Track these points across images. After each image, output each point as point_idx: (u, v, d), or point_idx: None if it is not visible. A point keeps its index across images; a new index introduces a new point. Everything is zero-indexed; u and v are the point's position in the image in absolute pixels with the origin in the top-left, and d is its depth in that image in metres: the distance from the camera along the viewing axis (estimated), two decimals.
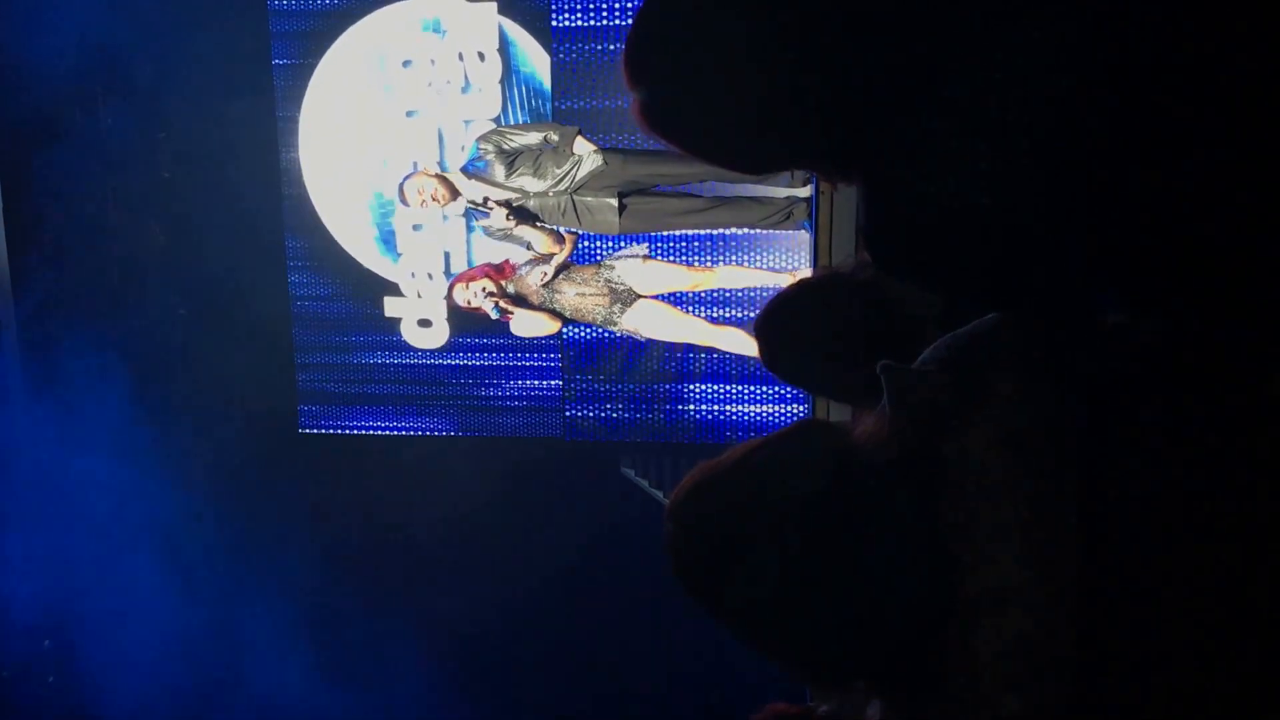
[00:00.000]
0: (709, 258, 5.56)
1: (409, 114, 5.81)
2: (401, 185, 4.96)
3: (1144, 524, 1.01)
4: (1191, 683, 1.01)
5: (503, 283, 4.93)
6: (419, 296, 5.99)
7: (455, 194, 4.88)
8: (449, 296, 5.02)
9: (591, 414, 5.89)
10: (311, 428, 6.24)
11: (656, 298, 5.06)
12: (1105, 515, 1.02)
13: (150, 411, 5.99)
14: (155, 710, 6.08)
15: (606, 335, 5.79)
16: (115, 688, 6.04)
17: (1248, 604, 0.98)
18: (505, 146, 4.82)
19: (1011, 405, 1.07)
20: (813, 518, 1.08)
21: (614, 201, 4.75)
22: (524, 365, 5.78)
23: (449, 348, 5.99)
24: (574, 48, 5.59)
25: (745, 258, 5.52)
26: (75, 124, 5.94)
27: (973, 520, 1.05)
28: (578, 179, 4.74)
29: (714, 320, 5.31)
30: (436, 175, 4.87)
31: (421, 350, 6.03)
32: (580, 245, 5.14)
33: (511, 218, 4.73)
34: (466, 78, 5.71)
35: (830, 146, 1.15)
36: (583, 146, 4.78)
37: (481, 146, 4.85)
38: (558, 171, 4.74)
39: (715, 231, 5.25)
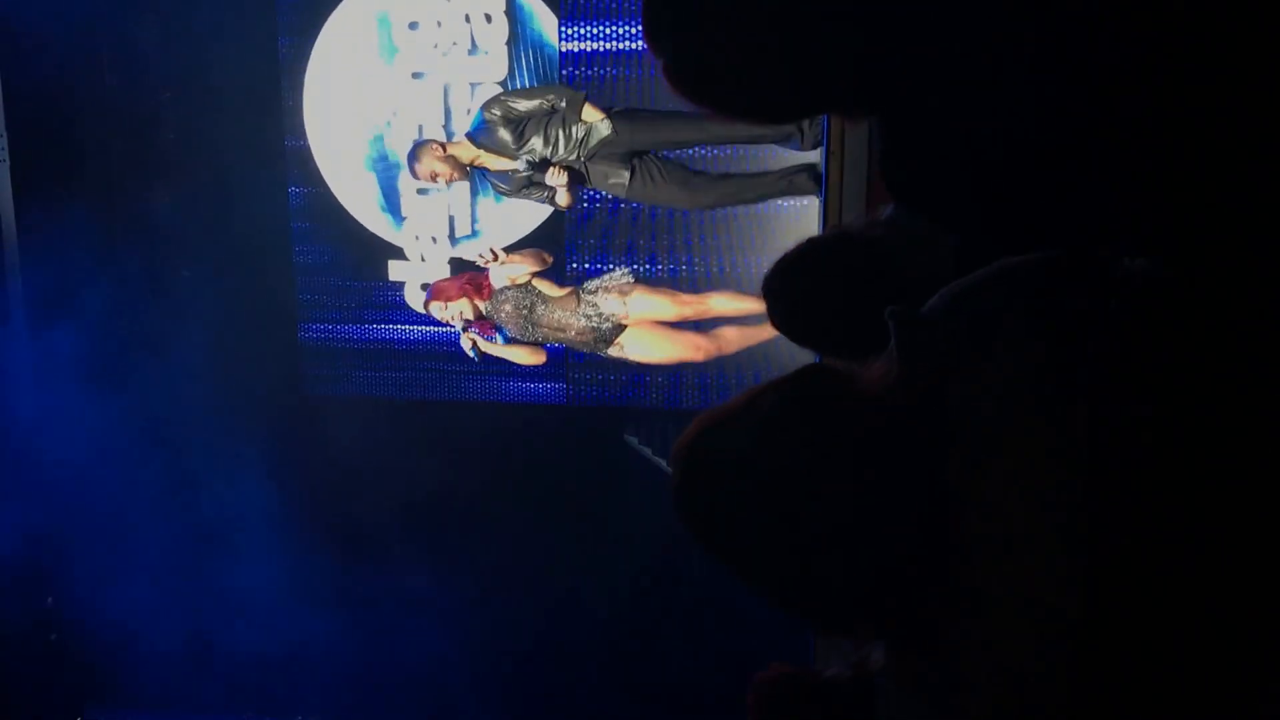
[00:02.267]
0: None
1: (415, 76, 5.77)
2: (411, 159, 4.88)
3: (1152, 470, 1.01)
4: (1200, 630, 1.01)
5: (480, 304, 4.82)
6: (423, 260, 5.98)
7: (466, 169, 4.83)
8: (425, 307, 4.92)
9: (595, 378, 5.88)
10: (315, 390, 6.24)
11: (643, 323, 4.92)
12: (1113, 461, 1.01)
13: (153, 374, 6.00)
14: (154, 667, 6.13)
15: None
16: (112, 641, 6.10)
17: (1259, 550, 0.98)
18: (512, 115, 4.74)
19: (1019, 351, 1.07)
20: (818, 462, 1.08)
21: (625, 173, 4.73)
22: None
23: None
24: (581, 6, 5.55)
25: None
26: (80, 85, 5.91)
27: (980, 466, 1.05)
28: (589, 148, 4.70)
29: (705, 330, 5.12)
30: (446, 155, 4.79)
31: (425, 314, 6.01)
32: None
33: (564, 172, 4.68)
34: (473, 40, 5.67)
35: (852, 83, 1.14)
36: (591, 114, 4.72)
37: (487, 115, 4.76)
38: (567, 139, 4.69)
39: (723, 205, 5.15)
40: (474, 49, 5.68)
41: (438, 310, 4.86)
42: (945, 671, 1.11)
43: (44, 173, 5.92)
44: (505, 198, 4.95)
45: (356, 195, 5.99)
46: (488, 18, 5.62)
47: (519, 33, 5.62)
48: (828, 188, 3.51)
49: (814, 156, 4.60)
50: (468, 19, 5.64)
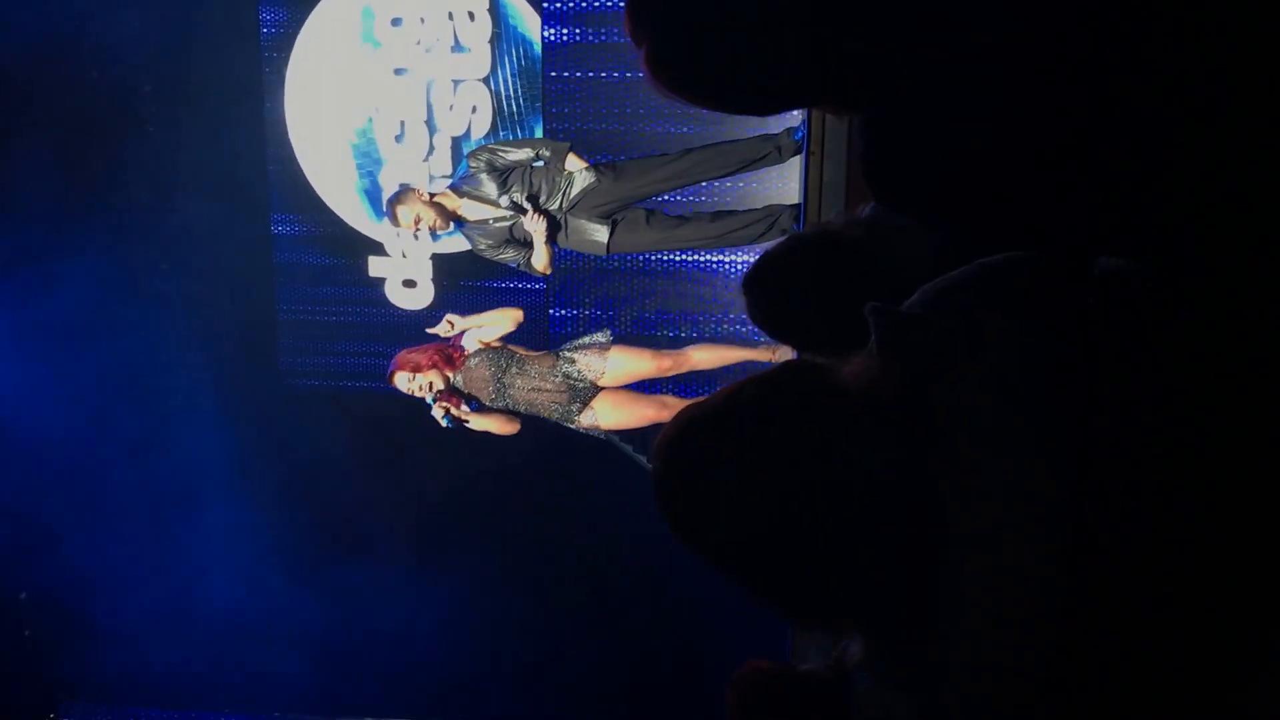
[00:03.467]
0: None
1: (398, 72, 5.76)
2: (394, 202, 4.79)
3: (1135, 466, 1.01)
4: (1180, 627, 1.01)
5: (450, 374, 4.69)
6: (404, 257, 5.96)
7: (448, 218, 4.77)
8: (390, 379, 4.73)
9: None
10: (295, 384, 6.22)
11: (616, 387, 4.86)
12: (1096, 457, 1.02)
13: (130, 369, 5.97)
14: (129, 663, 6.10)
15: (593, 295, 5.80)
16: (87, 637, 6.07)
17: (1239, 544, 0.98)
18: (497, 163, 4.73)
19: (1002, 348, 1.07)
20: (799, 457, 1.08)
21: (605, 228, 4.70)
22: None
23: (434, 308, 5.97)
24: (564, 6, 5.55)
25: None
26: (61, 78, 5.88)
27: (962, 460, 1.05)
28: (571, 197, 4.68)
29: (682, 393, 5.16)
30: (432, 201, 4.73)
31: (406, 310, 6.01)
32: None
33: (543, 218, 4.59)
34: (456, 37, 5.66)
35: (836, 77, 1.14)
36: (574, 164, 4.72)
37: (472, 164, 4.76)
38: (551, 188, 4.69)
39: (705, 247, 5.16)
40: (457, 46, 5.67)
41: (404, 382, 4.67)
42: (924, 665, 1.11)
43: (22, 166, 5.88)
44: (483, 256, 4.88)
45: (337, 190, 5.98)
46: (471, 15, 5.62)
47: (502, 30, 5.62)
48: (808, 187, 3.53)
49: (794, 186, 4.59)
50: (451, 16, 5.63)
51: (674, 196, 5.08)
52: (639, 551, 5.42)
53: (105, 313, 5.93)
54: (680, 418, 1.15)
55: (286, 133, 5.94)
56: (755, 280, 2.04)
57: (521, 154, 4.76)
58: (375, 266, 6.01)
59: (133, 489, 5.93)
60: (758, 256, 2.04)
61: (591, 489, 5.72)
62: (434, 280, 5.96)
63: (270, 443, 6.00)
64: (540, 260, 4.72)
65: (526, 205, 4.63)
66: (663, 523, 1.15)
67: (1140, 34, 1.03)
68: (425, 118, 5.76)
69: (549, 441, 5.52)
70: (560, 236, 4.74)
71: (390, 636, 6.00)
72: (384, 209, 4.90)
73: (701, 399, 1.18)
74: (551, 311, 5.88)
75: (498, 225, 4.75)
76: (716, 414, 1.13)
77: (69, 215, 5.90)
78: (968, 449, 1.05)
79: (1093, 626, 1.03)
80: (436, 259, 5.93)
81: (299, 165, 5.96)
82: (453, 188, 4.83)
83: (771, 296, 1.99)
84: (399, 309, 6.02)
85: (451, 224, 4.80)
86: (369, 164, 5.90)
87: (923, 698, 1.14)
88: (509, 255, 4.79)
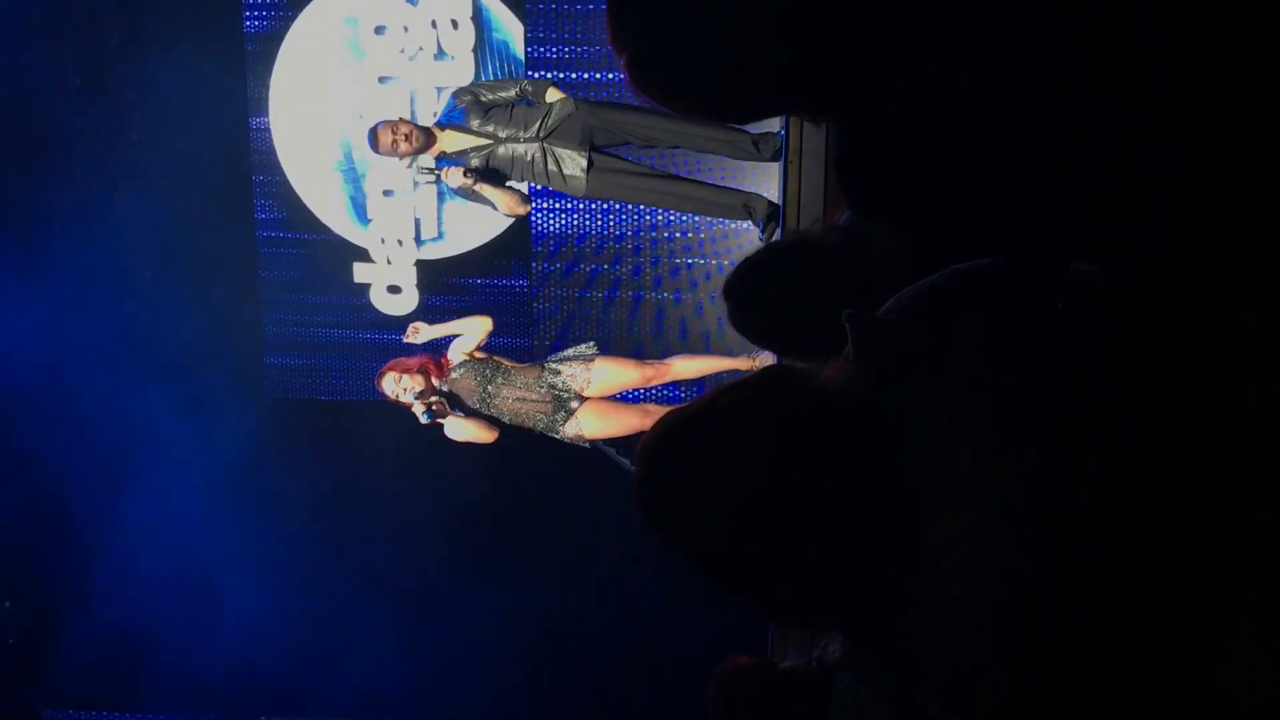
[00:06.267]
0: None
1: (382, 80, 5.77)
2: (374, 131, 4.91)
3: (1104, 469, 1.04)
4: (1145, 620, 1.04)
5: (436, 382, 4.77)
6: (389, 263, 5.97)
7: (429, 140, 4.85)
8: (377, 381, 4.86)
9: None
10: (279, 391, 6.21)
11: (600, 397, 4.94)
12: (1062, 459, 1.05)
13: (113, 376, 5.96)
14: (112, 670, 6.09)
15: (576, 306, 5.82)
16: (70, 645, 6.05)
17: (1203, 538, 1.01)
18: (481, 98, 4.90)
19: (973, 352, 1.11)
20: (778, 459, 1.11)
21: (583, 159, 4.77)
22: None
23: (419, 314, 5.97)
24: (547, 14, 5.58)
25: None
26: (45, 86, 5.86)
27: (935, 463, 1.08)
28: (549, 125, 4.80)
29: (664, 401, 5.26)
30: (413, 126, 4.87)
31: (391, 316, 6.02)
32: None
33: (471, 174, 4.73)
34: (440, 45, 5.68)
35: (813, 84, 1.17)
36: (554, 94, 4.88)
37: (458, 100, 4.93)
38: (530, 119, 4.82)
39: (673, 212, 5.24)
40: (440, 54, 5.69)
41: (389, 384, 4.79)
42: (901, 663, 1.14)
43: (6, 173, 5.87)
44: (454, 194, 5.00)
45: (322, 197, 5.98)
46: (454, 24, 5.63)
47: (485, 39, 5.64)
48: (787, 195, 3.57)
49: (774, 172, 4.65)
50: (434, 24, 5.65)
51: (654, 159, 5.16)
52: (621, 552, 5.44)
53: (86, 320, 5.92)
54: (662, 422, 1.18)
55: (271, 140, 5.94)
56: (736, 286, 2.08)
57: (505, 92, 4.93)
58: (360, 273, 6.02)
59: (117, 495, 5.91)
60: (738, 264, 2.09)
61: (575, 493, 5.74)
62: (418, 285, 5.97)
63: (255, 449, 5.99)
64: (501, 202, 4.89)
65: (459, 164, 4.78)
66: (645, 525, 1.18)
67: (1108, 40, 1.06)
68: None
69: (533, 447, 5.55)
70: (540, 172, 4.84)
71: (370, 647, 6.00)
72: (367, 138, 4.99)
73: (684, 404, 1.21)
74: (534, 315, 5.90)
75: (476, 158, 4.88)
76: (697, 418, 1.16)
77: (51, 225, 5.89)
78: (938, 451, 1.08)
79: (1061, 624, 1.05)
80: (420, 265, 5.94)
81: (283, 172, 5.97)
82: (438, 124, 4.97)
83: (750, 303, 2.03)
84: (384, 313, 6.03)
85: (430, 153, 4.92)
86: (353, 171, 5.91)
87: (900, 695, 1.17)
88: (486, 191, 4.89)
